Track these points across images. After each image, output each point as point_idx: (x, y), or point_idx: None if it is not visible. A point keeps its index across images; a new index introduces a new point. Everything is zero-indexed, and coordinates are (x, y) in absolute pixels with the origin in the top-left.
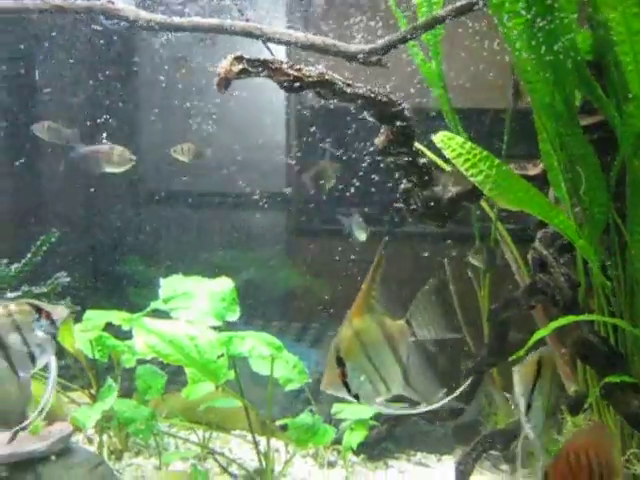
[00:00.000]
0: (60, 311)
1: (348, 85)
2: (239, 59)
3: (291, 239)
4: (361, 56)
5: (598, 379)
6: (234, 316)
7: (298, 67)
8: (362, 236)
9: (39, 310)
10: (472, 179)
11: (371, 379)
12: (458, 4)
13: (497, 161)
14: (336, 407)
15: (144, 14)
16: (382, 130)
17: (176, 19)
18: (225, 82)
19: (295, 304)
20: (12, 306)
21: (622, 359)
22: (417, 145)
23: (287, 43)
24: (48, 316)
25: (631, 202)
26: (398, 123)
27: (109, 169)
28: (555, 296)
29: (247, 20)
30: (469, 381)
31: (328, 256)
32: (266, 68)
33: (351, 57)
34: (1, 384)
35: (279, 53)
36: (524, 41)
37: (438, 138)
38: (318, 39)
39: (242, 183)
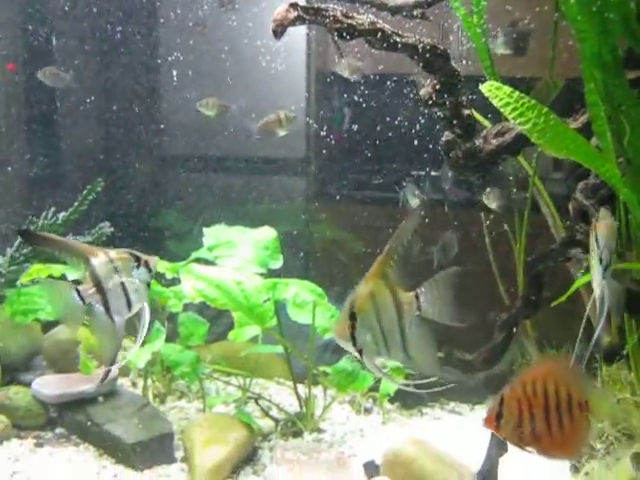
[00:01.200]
0: (155, 261)
1: (398, 34)
2: (294, 6)
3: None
4: (406, 9)
5: (638, 327)
6: (277, 264)
7: (351, 14)
8: (415, 202)
9: (138, 259)
10: (520, 127)
11: (376, 339)
12: None
13: (545, 109)
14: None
15: None
16: (428, 81)
17: None
18: (281, 28)
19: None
20: (112, 253)
21: None
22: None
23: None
24: (146, 264)
25: None
26: (444, 73)
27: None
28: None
29: None
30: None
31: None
32: (320, 15)
33: (396, 10)
34: (99, 327)
35: None
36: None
37: (486, 87)
38: None
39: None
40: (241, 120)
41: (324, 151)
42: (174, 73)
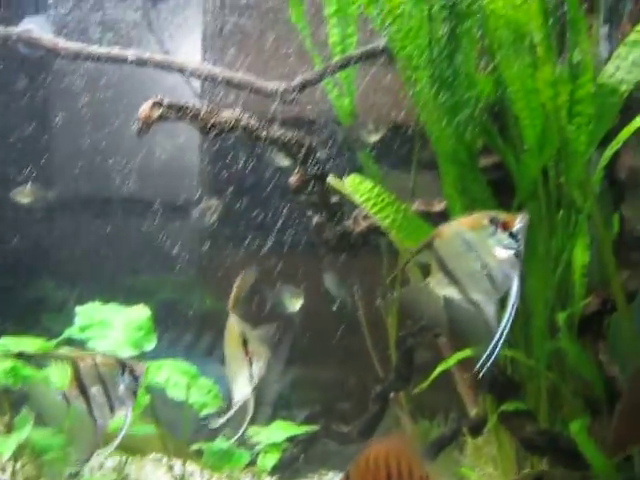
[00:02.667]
0: (141, 367)
1: (263, 128)
2: (158, 104)
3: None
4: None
5: (496, 406)
6: (151, 345)
7: (216, 111)
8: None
9: (123, 365)
10: (380, 223)
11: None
12: (369, 47)
13: (403, 206)
14: (251, 430)
15: (62, 43)
16: (296, 170)
17: (95, 48)
18: (145, 126)
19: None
20: (99, 358)
21: (517, 388)
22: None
23: (205, 77)
24: (131, 371)
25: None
26: (310, 165)
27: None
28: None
29: (166, 52)
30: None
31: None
32: (184, 113)
33: (268, 94)
34: (80, 426)
35: None
36: (428, 92)
37: (349, 182)
38: (235, 75)
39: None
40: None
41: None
42: None
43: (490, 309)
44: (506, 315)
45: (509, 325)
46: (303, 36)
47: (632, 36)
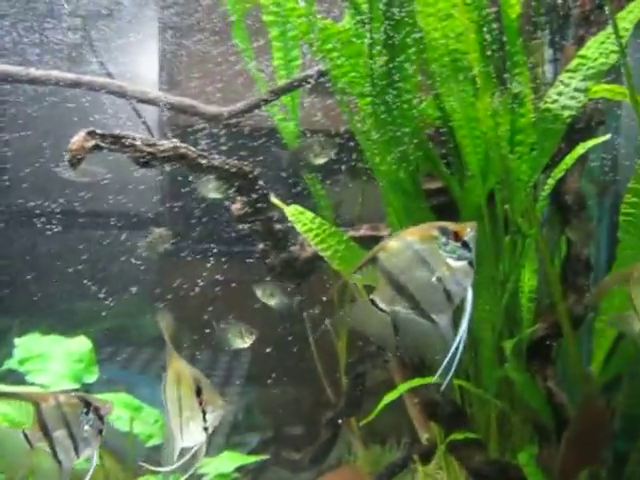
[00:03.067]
0: (109, 407)
1: (203, 157)
2: (92, 134)
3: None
4: (223, 118)
5: (444, 435)
6: (92, 378)
7: (152, 142)
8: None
9: (88, 404)
10: (322, 254)
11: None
12: (310, 71)
13: (345, 237)
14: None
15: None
16: (238, 198)
17: (33, 71)
18: (78, 158)
19: None
20: (61, 397)
21: (466, 417)
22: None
23: (147, 102)
24: (97, 411)
25: None
26: (252, 194)
27: None
28: (404, 358)
29: (109, 75)
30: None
31: None
32: (119, 144)
33: (210, 118)
34: (45, 472)
35: None
36: (371, 122)
37: (290, 212)
38: (178, 99)
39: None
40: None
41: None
42: None
43: (444, 321)
44: (462, 326)
45: (465, 337)
46: (247, 59)
47: (575, 62)
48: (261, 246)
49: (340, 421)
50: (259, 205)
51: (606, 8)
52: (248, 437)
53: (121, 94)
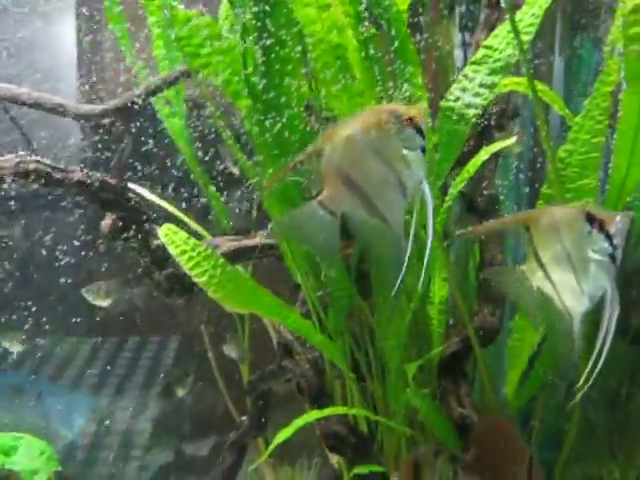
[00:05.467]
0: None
1: (60, 170)
2: None
3: None
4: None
5: (348, 468)
6: None
7: None
8: None
9: None
10: (196, 280)
11: None
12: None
13: (221, 260)
14: None
15: None
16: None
17: None
18: None
19: None
20: None
21: (371, 448)
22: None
23: (9, 99)
24: None
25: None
26: (121, 208)
27: None
28: (300, 384)
29: None
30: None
31: None
32: None
33: (82, 118)
34: None
35: None
36: (251, 123)
37: (163, 231)
38: (45, 97)
39: None
40: None
41: None
42: None
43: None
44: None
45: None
46: (125, 52)
47: (480, 53)
48: (142, 263)
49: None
50: (131, 222)
51: None
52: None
53: None
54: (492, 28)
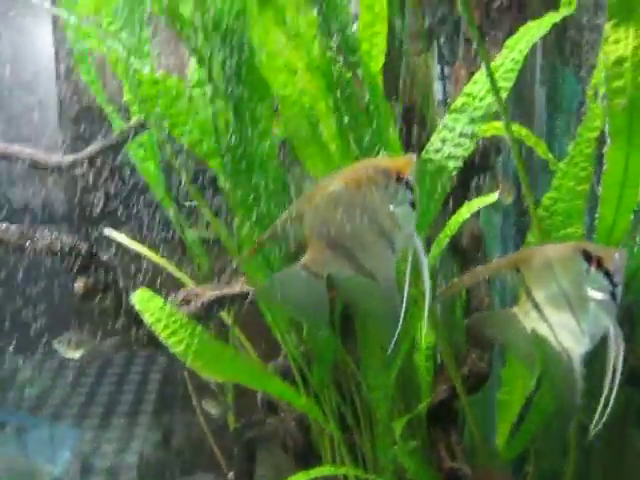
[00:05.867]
0: None
1: (26, 238)
2: None
3: None
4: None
5: None
6: None
7: None
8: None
9: None
10: (173, 350)
11: None
12: None
13: (199, 328)
14: None
15: None
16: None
17: None
18: None
19: None
20: None
21: None
22: None
23: None
24: None
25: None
26: (93, 275)
27: None
28: (285, 441)
29: None
30: None
31: None
32: None
33: (52, 168)
34: None
35: None
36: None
37: (136, 299)
38: (13, 148)
39: None
40: None
41: None
42: None
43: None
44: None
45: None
46: (94, 92)
47: (459, 101)
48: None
49: None
50: (105, 284)
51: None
52: None
53: None
54: (471, 63)
